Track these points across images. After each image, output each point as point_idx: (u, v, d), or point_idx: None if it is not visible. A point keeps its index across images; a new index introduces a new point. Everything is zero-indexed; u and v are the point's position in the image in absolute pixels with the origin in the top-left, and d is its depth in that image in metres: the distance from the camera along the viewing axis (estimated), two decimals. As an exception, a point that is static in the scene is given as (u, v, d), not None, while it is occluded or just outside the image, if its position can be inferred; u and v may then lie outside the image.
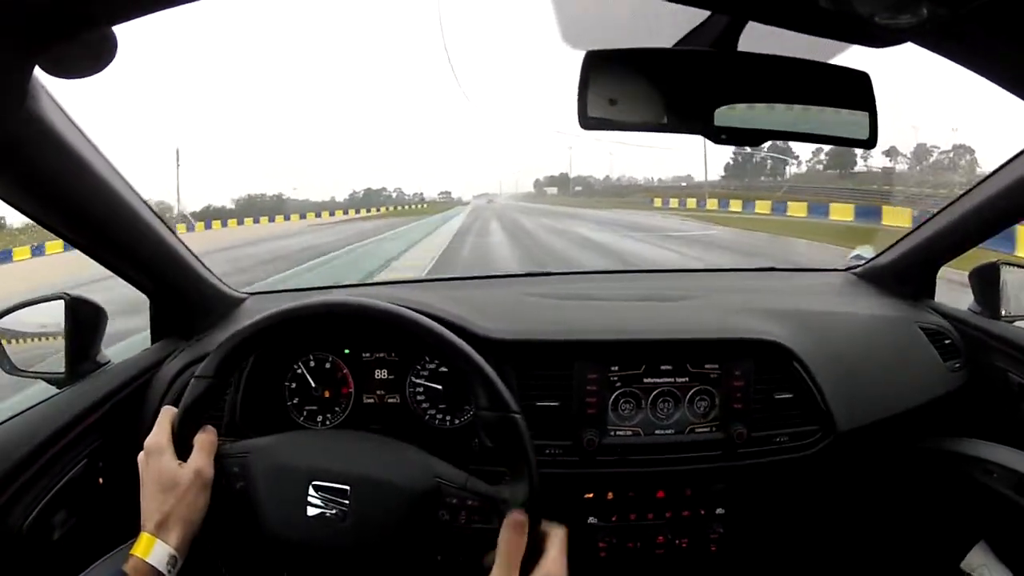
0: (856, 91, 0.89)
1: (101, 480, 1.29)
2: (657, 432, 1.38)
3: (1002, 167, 1.45)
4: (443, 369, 1.41)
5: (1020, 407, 1.53)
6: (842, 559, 1.72)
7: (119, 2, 0.72)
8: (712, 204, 38.32)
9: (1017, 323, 1.64)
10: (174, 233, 1.38)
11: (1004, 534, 1.43)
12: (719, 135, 0.83)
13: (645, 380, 1.38)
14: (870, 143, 0.89)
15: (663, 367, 1.39)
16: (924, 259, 1.77)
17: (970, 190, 1.55)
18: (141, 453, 0.96)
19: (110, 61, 0.77)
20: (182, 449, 0.96)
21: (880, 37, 0.84)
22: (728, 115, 0.83)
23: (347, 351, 1.42)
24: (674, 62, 0.85)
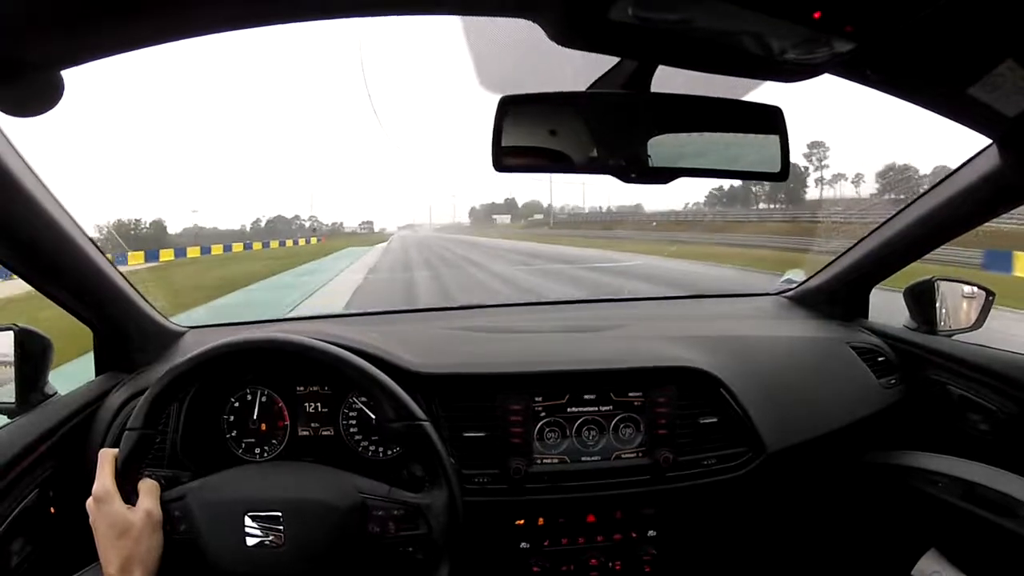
0: (769, 125, 0.93)
1: (53, 509, 1.28)
2: (583, 459, 1.40)
3: (929, 190, 1.51)
4: None
5: (963, 417, 1.58)
6: (788, 572, 1.75)
7: (67, 48, 0.74)
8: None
9: (955, 337, 1.69)
10: (116, 268, 1.41)
11: (955, 540, 1.46)
12: (629, 174, 0.86)
13: (569, 410, 1.41)
14: (782, 175, 0.92)
15: (586, 396, 1.43)
16: (855, 280, 1.83)
17: (899, 212, 1.61)
18: (90, 500, 1.00)
19: (57, 103, 0.80)
20: (128, 493, 1.01)
21: (794, 72, 0.88)
22: (639, 154, 0.86)
23: (282, 385, 1.45)
24: (586, 105, 0.88)
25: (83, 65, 0.78)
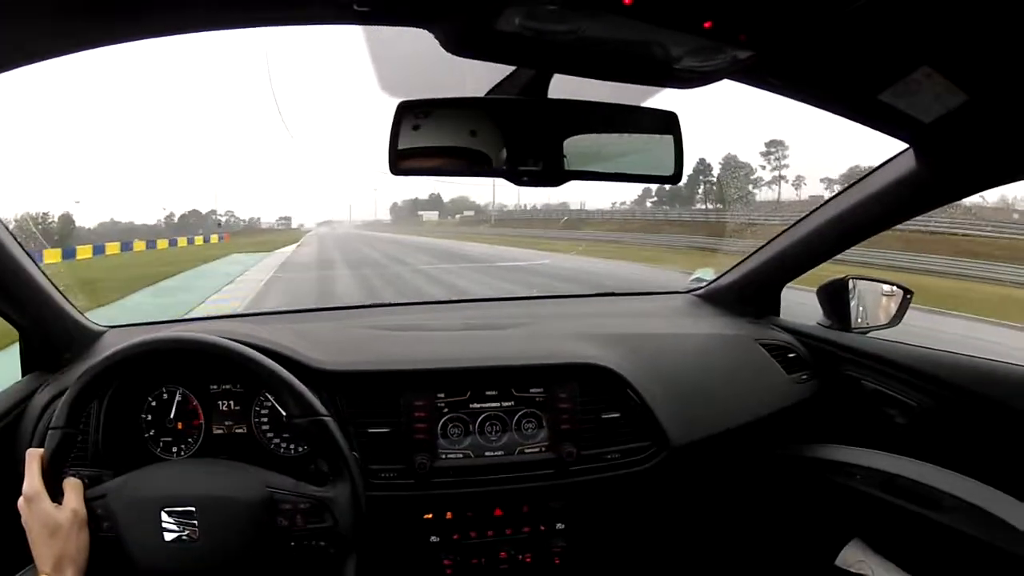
0: (664, 129, 0.96)
1: None
2: (487, 454, 1.44)
3: (844, 191, 1.57)
4: None
5: (878, 411, 1.63)
6: (710, 564, 1.80)
7: None
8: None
9: (870, 334, 1.74)
10: (40, 268, 1.40)
11: (877, 530, 1.51)
12: (521, 177, 0.89)
13: (471, 405, 1.45)
14: (675, 178, 0.96)
15: (488, 392, 1.46)
16: (766, 279, 1.88)
17: (812, 212, 1.66)
18: (20, 500, 1.02)
19: None
20: (54, 492, 1.03)
21: (691, 79, 0.91)
22: (535, 158, 0.89)
23: (197, 384, 1.46)
24: (484, 110, 0.91)
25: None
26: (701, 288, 2.06)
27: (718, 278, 2.03)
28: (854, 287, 1.75)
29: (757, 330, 1.81)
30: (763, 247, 1.84)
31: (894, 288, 1.77)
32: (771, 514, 1.74)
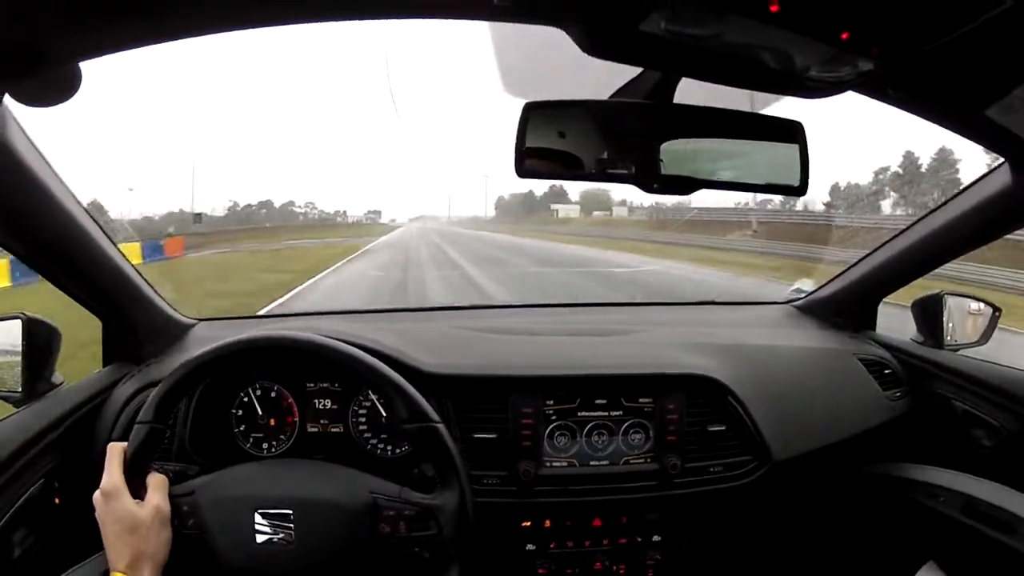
0: (789, 139, 0.93)
1: (57, 500, 1.28)
2: (592, 463, 1.41)
3: (941, 205, 1.52)
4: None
5: (966, 432, 1.59)
6: None
7: (84, 42, 0.75)
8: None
9: (961, 352, 1.70)
10: (127, 259, 1.40)
11: (954, 554, 1.46)
12: (651, 184, 0.87)
13: (579, 413, 1.41)
14: (801, 190, 0.92)
15: (597, 401, 1.43)
16: (864, 292, 1.83)
17: (910, 226, 1.61)
18: (97, 494, 1.00)
19: (75, 93, 0.81)
20: (136, 488, 1.01)
21: (816, 89, 0.88)
22: (661, 165, 0.86)
23: (292, 380, 1.45)
24: (609, 113, 0.89)
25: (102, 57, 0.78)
26: (800, 299, 2.02)
27: (817, 290, 1.99)
28: (946, 303, 1.70)
29: (855, 344, 1.77)
30: (861, 260, 1.80)
31: (981, 306, 1.72)
32: (852, 532, 1.70)
